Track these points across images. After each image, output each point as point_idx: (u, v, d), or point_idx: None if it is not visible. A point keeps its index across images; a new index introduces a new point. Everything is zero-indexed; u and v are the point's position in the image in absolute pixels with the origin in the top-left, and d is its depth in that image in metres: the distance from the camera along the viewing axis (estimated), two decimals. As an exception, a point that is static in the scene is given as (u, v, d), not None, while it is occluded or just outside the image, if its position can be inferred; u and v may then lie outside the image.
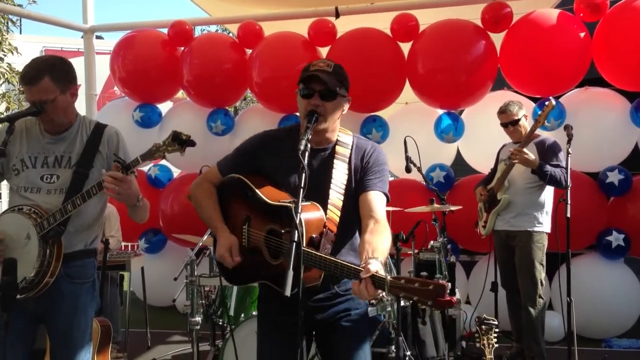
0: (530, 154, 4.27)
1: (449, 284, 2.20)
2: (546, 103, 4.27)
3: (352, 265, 2.01)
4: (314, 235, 2.18)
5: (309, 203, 2.23)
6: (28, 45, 15.86)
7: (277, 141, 2.41)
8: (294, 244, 1.94)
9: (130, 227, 5.47)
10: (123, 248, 5.28)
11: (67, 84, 2.64)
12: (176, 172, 6.85)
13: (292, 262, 1.91)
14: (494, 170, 4.81)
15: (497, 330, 3.01)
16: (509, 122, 4.56)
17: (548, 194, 4.48)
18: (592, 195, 5.38)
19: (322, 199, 2.27)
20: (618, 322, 5.29)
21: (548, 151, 4.39)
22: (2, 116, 2.68)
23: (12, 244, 2.58)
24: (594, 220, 5.36)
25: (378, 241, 2.14)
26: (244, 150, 2.50)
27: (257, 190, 2.31)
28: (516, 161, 4.29)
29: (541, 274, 4.40)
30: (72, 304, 2.66)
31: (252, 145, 2.49)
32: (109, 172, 2.49)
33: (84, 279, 2.71)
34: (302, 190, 2.05)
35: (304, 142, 2.12)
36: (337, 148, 2.38)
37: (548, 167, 4.27)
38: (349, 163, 2.37)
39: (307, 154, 2.11)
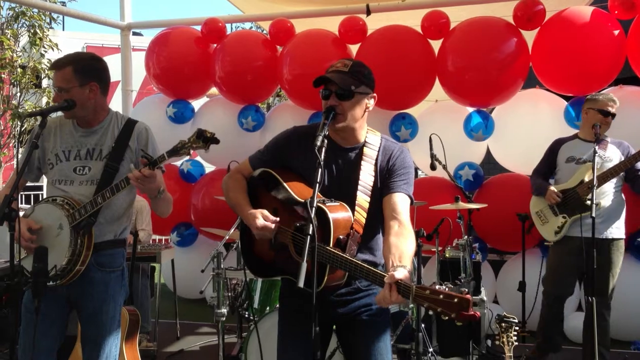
0: None
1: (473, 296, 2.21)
2: None
3: (378, 272, 2.05)
4: (341, 236, 2.22)
5: (338, 204, 2.28)
6: (71, 41, 16.27)
7: (306, 137, 2.44)
8: (309, 237, 2.00)
9: (162, 220, 5.59)
10: (152, 241, 5.40)
11: (88, 79, 2.75)
12: (208, 168, 6.96)
13: (305, 255, 1.97)
14: (544, 170, 4.55)
15: (517, 328, 3.01)
16: (612, 113, 4.24)
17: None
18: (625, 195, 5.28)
19: (349, 200, 2.32)
20: None
21: (629, 152, 4.21)
22: (34, 110, 2.79)
23: (45, 233, 2.70)
24: (627, 221, 5.26)
25: (404, 246, 2.16)
26: (274, 145, 2.56)
27: (285, 185, 2.37)
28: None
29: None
30: (102, 291, 2.78)
31: (282, 140, 2.54)
32: (141, 169, 2.58)
33: (113, 267, 2.83)
34: (318, 185, 2.10)
35: (320, 137, 2.18)
36: (365, 149, 2.42)
37: None
38: (376, 165, 2.41)
39: (323, 149, 2.17)
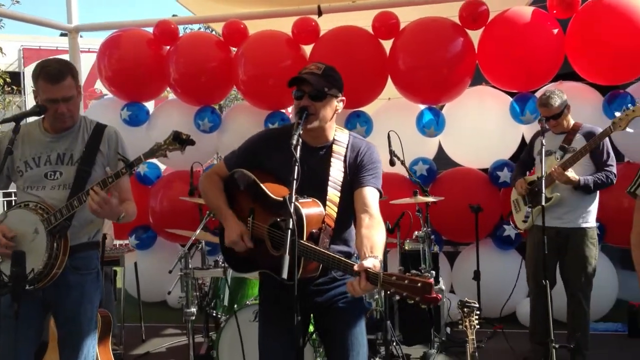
0: (573, 173, 4.13)
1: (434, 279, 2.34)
2: (631, 107, 4.05)
3: (349, 262, 2.17)
4: (313, 230, 2.33)
5: (310, 200, 2.39)
6: (6, 44, 15.83)
7: (279, 138, 2.53)
8: (289, 231, 2.09)
9: (120, 224, 5.55)
10: (113, 246, 5.38)
11: (78, 83, 2.83)
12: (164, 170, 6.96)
13: (287, 248, 2.06)
14: (526, 160, 4.70)
15: (478, 312, 3.18)
16: (550, 117, 4.29)
17: None
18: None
19: (320, 196, 2.43)
20: (596, 308, 5.43)
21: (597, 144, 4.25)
22: (7, 117, 2.79)
23: (21, 238, 2.71)
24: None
25: (375, 238, 2.28)
26: (248, 146, 2.65)
27: (261, 185, 2.46)
28: (557, 181, 4.16)
29: (594, 270, 4.33)
30: (79, 293, 2.81)
31: (256, 142, 2.64)
32: (95, 188, 2.62)
33: (88, 269, 2.87)
34: (295, 181, 2.19)
35: (295, 136, 2.28)
36: (334, 147, 2.54)
37: (590, 179, 4.15)
38: (345, 161, 2.53)
39: (299, 147, 2.27)
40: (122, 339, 4.99)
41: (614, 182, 4.24)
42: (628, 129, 4.14)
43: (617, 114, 4.21)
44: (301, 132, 2.34)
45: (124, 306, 5.37)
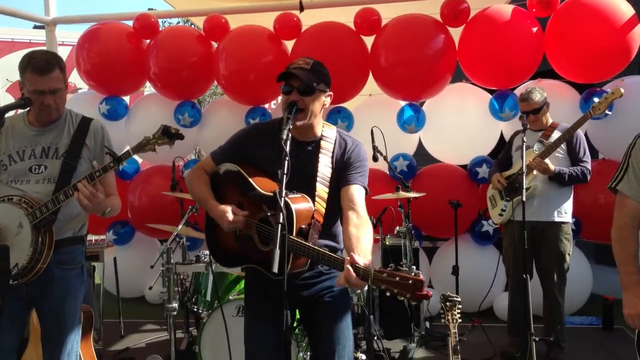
0: (550, 164, 4.24)
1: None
2: (610, 90, 4.10)
3: (339, 258, 2.19)
4: (303, 226, 2.34)
5: (300, 195, 2.39)
6: (-20, 37, 15.47)
7: (267, 132, 2.56)
8: (280, 225, 2.10)
9: (97, 219, 5.49)
10: (89, 241, 5.31)
11: (65, 76, 2.80)
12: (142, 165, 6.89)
13: (277, 243, 2.07)
14: (504, 160, 4.80)
15: (460, 307, 3.22)
16: (529, 111, 4.39)
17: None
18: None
19: (309, 191, 2.44)
20: (571, 302, 5.53)
21: (574, 139, 4.34)
22: None
23: (5, 232, 2.68)
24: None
25: (364, 238, 2.31)
26: (235, 140, 2.64)
27: (249, 179, 2.46)
28: (535, 171, 4.26)
29: (569, 265, 4.41)
30: (63, 288, 2.79)
31: (243, 136, 2.64)
32: (83, 182, 2.61)
33: (73, 264, 2.85)
34: (285, 176, 2.20)
35: (285, 131, 2.28)
36: (322, 143, 2.55)
37: (565, 170, 4.25)
38: (332, 157, 2.54)
39: (288, 142, 2.27)
40: (101, 334, 4.94)
41: (588, 179, 4.33)
42: (607, 112, 4.21)
43: (596, 99, 4.30)
44: (291, 127, 2.35)
45: (104, 302, 5.33)
